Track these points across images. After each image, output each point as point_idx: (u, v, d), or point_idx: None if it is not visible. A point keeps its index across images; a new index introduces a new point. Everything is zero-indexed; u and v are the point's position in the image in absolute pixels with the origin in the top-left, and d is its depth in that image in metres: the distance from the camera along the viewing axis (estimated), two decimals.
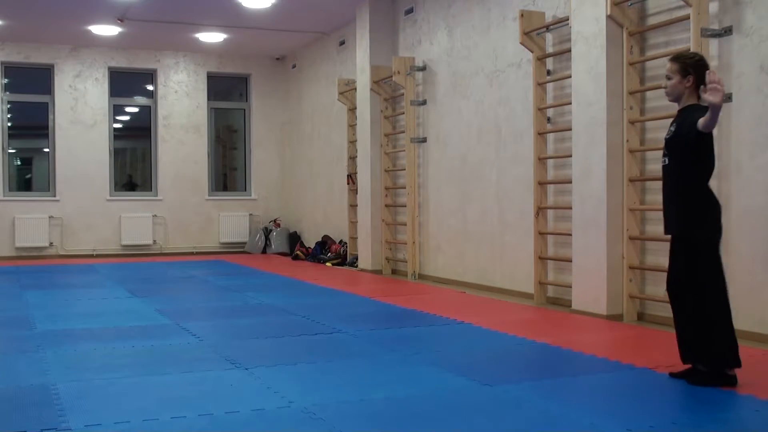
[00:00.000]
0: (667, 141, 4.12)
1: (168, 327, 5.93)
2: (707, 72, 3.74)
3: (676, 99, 4.12)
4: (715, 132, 5.51)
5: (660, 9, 6.10)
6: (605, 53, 6.25)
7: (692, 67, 4.02)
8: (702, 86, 3.81)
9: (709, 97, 3.67)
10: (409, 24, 9.76)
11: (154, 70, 13.52)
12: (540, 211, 7.28)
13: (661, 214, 6.04)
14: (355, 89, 10.72)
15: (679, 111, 4.14)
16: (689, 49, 5.59)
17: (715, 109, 3.69)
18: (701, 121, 3.81)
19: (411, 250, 9.50)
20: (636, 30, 6.20)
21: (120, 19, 11.06)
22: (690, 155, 3.97)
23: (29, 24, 11.41)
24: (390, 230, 10.21)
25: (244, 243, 13.85)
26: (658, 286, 6.11)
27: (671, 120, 4.22)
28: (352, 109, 11.13)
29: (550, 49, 7.28)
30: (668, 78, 4.10)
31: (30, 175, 14.15)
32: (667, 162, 4.12)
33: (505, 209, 7.97)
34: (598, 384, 4.17)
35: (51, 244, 12.76)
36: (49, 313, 6.61)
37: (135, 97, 13.84)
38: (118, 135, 13.57)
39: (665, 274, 5.96)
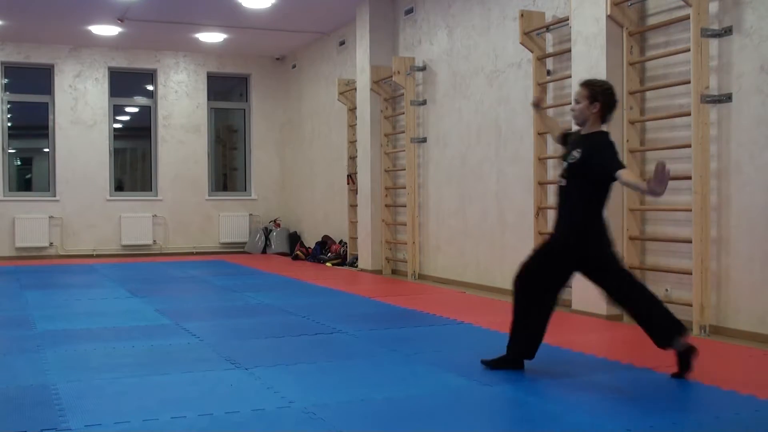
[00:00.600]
0: (571, 165, 4.21)
1: (168, 327, 5.93)
2: (658, 162, 3.78)
3: (582, 123, 4.26)
4: (714, 132, 5.55)
5: (660, 9, 6.10)
6: (605, 53, 6.25)
7: (600, 95, 4.17)
8: (649, 179, 3.87)
9: (655, 187, 3.77)
10: (409, 24, 9.76)
11: (154, 70, 13.52)
12: (540, 211, 7.28)
13: (660, 214, 6.10)
14: (355, 89, 10.72)
15: (584, 136, 4.26)
16: (689, 49, 5.60)
17: (654, 195, 3.84)
18: (628, 180, 3.98)
19: (411, 250, 9.50)
20: (636, 30, 6.20)
21: (120, 19, 11.06)
22: (591, 186, 4.15)
23: (29, 24, 11.41)
24: (390, 230, 10.21)
25: (244, 243, 13.85)
26: (658, 286, 6.11)
27: (576, 142, 4.29)
28: (352, 109, 11.13)
29: (550, 49, 7.27)
30: (577, 102, 4.25)
31: (30, 175, 14.15)
32: (565, 184, 4.24)
33: (505, 209, 7.97)
34: (598, 384, 4.17)
35: (51, 244, 12.75)
36: (49, 313, 6.61)
37: (135, 97, 13.84)
38: (118, 135, 13.57)
39: (666, 274, 6.02)
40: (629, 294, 4.24)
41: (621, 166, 4.07)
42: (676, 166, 5.94)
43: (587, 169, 4.13)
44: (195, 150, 13.69)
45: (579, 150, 4.19)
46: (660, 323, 4.16)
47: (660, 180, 3.74)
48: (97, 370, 4.48)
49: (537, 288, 4.30)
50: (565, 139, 4.53)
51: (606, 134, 4.24)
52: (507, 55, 7.88)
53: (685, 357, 4.11)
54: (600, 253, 4.22)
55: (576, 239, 4.21)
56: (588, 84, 4.26)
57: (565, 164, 4.25)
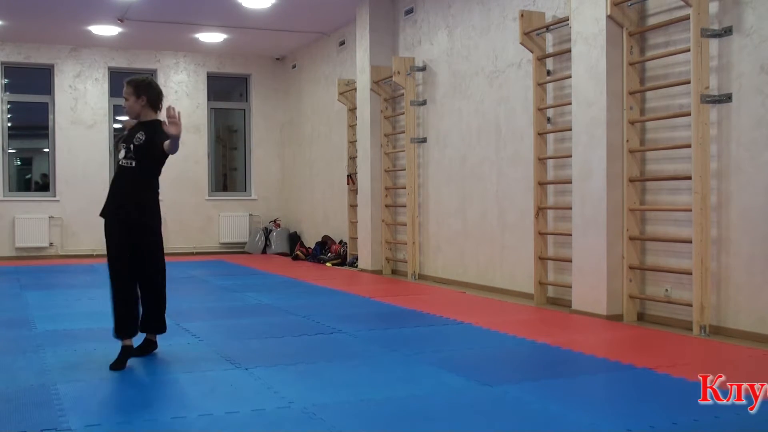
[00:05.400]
0: (137, 147, 4.70)
1: (168, 327, 5.91)
2: (167, 107, 4.42)
3: (136, 116, 4.82)
4: (714, 132, 5.55)
5: (660, 9, 6.10)
6: (605, 53, 6.25)
7: (143, 90, 4.76)
8: (164, 121, 4.46)
9: (170, 130, 4.41)
10: (409, 24, 9.76)
11: (154, 70, 13.51)
12: (540, 211, 7.28)
13: (660, 214, 6.10)
14: (355, 89, 10.72)
15: (143, 123, 4.79)
16: (689, 49, 5.60)
17: (174, 138, 4.45)
18: (166, 145, 4.55)
19: (411, 250, 9.50)
20: (636, 30, 6.20)
21: (120, 19, 11.06)
22: (155, 164, 4.78)
23: (29, 24, 11.41)
24: (390, 230, 10.21)
25: (244, 243, 13.85)
26: (658, 286, 6.11)
27: (135, 129, 4.81)
28: (352, 110, 11.14)
29: (550, 49, 7.27)
30: (126, 99, 4.78)
31: (30, 175, 14.15)
32: (132, 164, 4.72)
33: (505, 209, 7.97)
34: (598, 384, 4.17)
35: (51, 244, 12.76)
36: (49, 313, 6.61)
37: None
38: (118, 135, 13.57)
39: (666, 274, 6.02)
40: (159, 281, 4.92)
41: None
42: (676, 166, 5.96)
43: (153, 149, 4.65)
44: (195, 150, 13.69)
45: (142, 133, 4.72)
46: (162, 318, 4.93)
47: (173, 124, 4.35)
48: (97, 370, 4.48)
49: (128, 269, 4.74)
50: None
51: (161, 122, 4.68)
52: (507, 55, 7.88)
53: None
54: (158, 228, 4.84)
55: (144, 213, 4.74)
56: (130, 82, 4.78)
57: (130, 146, 4.71)
